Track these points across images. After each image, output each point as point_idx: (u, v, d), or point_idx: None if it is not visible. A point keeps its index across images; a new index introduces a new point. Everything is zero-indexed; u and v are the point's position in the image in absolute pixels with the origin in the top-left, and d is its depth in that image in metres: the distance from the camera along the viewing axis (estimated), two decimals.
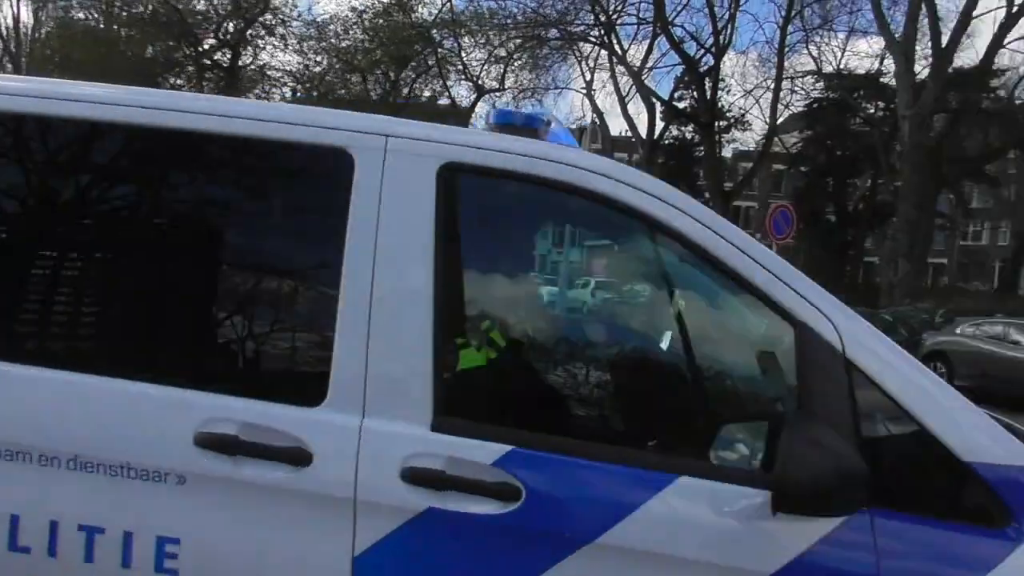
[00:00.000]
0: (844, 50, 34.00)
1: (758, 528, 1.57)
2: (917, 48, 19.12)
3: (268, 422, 1.66)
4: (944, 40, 18.23)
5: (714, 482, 1.61)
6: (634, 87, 23.93)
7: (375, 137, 1.78)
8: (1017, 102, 22.06)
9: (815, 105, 26.42)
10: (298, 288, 1.91)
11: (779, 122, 24.23)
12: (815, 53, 23.87)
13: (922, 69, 19.37)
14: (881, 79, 24.15)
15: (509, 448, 1.63)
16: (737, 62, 41.32)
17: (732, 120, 27.37)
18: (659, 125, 25.69)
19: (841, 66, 24.23)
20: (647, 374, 2.19)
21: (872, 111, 25.71)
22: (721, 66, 22.60)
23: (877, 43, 20.46)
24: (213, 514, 1.64)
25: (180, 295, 1.84)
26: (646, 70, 24.48)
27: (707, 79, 22.49)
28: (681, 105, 26.37)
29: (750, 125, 27.57)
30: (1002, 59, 22.77)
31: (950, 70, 19.15)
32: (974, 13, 18.03)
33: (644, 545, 1.58)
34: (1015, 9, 18.25)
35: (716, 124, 24.17)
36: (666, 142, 28.68)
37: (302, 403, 1.68)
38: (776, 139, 24.46)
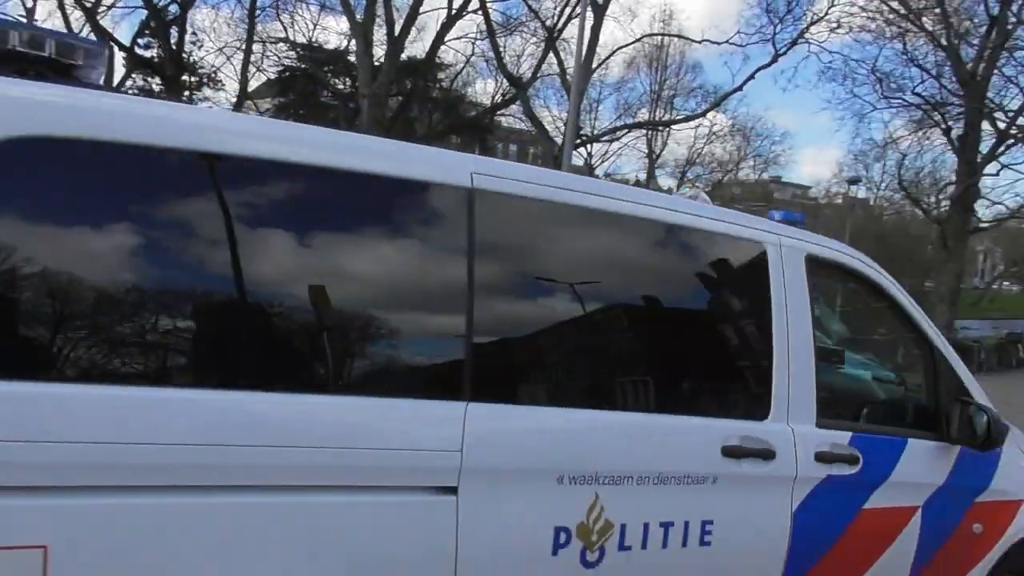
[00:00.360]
0: (316, 24, 35.60)
1: (942, 462, 3.00)
2: (378, 33, 20.99)
3: (752, 433, 2.49)
4: (397, 29, 20.44)
5: (924, 440, 3.03)
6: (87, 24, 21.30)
7: (773, 235, 2.70)
8: (456, 93, 26.02)
9: (287, 73, 27.01)
10: (744, 346, 2.66)
11: (254, 86, 24.02)
12: (288, 21, 24.41)
13: (381, 53, 21.34)
14: (348, 57, 25.79)
15: (851, 434, 2.77)
16: (212, 16, 39.68)
17: (204, 77, 26.33)
18: (120, 71, 23.38)
19: (313, 39, 25.23)
20: (909, 391, 3.46)
21: (340, 86, 27.36)
22: (193, 18, 21.57)
23: (345, 22, 21.95)
24: (730, 499, 2.41)
25: (672, 356, 2.49)
26: (103, 8, 22.00)
27: (174, 28, 21.26)
28: (147, 54, 24.40)
29: (223, 85, 26.93)
30: (448, 55, 26.32)
31: (404, 57, 21.57)
32: (421, 9, 20.56)
33: (907, 477, 2.86)
34: (454, 12, 21.39)
35: (185, 79, 23.01)
36: (131, 92, 26.23)
37: (760, 418, 2.56)
38: (250, 103, 24.33)
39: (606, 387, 2.24)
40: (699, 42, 25.84)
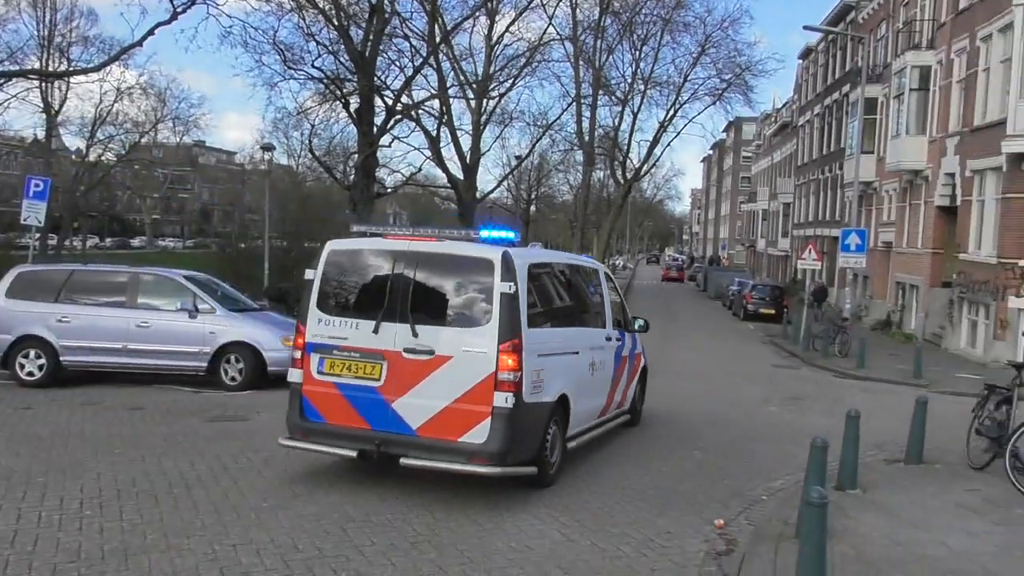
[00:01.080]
0: None
1: (630, 339, 10.22)
2: None
3: (608, 334, 9.12)
4: None
5: (625, 332, 9.96)
6: None
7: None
8: None
9: None
10: (600, 301, 9.22)
11: None
12: None
13: None
14: None
15: (616, 331, 9.42)
16: None
17: None
18: None
19: None
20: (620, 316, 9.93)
21: None
22: None
23: None
24: (606, 353, 9.05)
25: (577, 304, 8.67)
26: None
27: None
28: None
29: None
30: None
31: None
32: None
33: (625, 346, 9.79)
34: None
35: None
36: None
37: (603, 327, 9.04)
38: None
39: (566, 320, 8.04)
40: None
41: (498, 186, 48.59)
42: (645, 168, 44.82)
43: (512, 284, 6.63)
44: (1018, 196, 19.61)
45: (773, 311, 32.33)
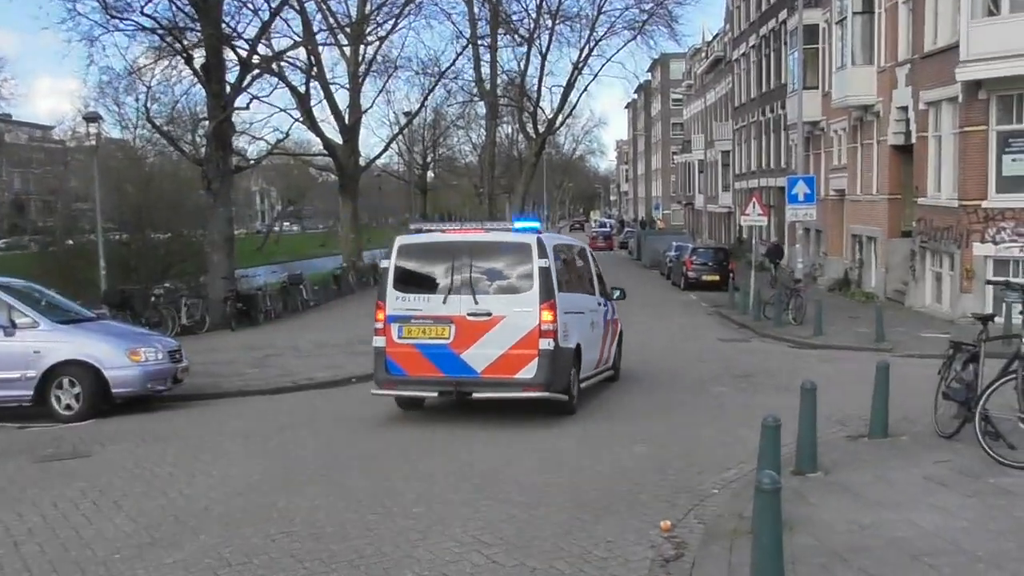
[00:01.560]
0: None
1: (611, 306, 14.75)
2: None
3: (599, 299, 13.84)
4: None
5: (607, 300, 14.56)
6: None
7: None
8: None
9: None
10: (589, 276, 13.72)
11: None
12: None
13: None
14: None
15: (604, 298, 14.02)
16: None
17: None
18: None
19: None
20: (606, 289, 14.61)
21: None
22: None
23: None
24: (599, 314, 13.49)
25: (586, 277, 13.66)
26: None
27: None
28: None
29: None
30: None
31: None
32: None
33: (608, 310, 14.13)
34: None
35: None
36: None
37: (594, 293, 13.58)
38: None
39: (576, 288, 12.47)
40: None
41: (386, 149, 48.34)
42: (559, 119, 45.29)
43: (546, 260, 11.05)
44: (976, 129, 20.72)
45: (718, 277, 33.34)
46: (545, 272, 10.95)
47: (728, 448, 9.29)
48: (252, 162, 35.98)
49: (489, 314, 10.87)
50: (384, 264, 11.65)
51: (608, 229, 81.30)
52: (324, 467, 8.90)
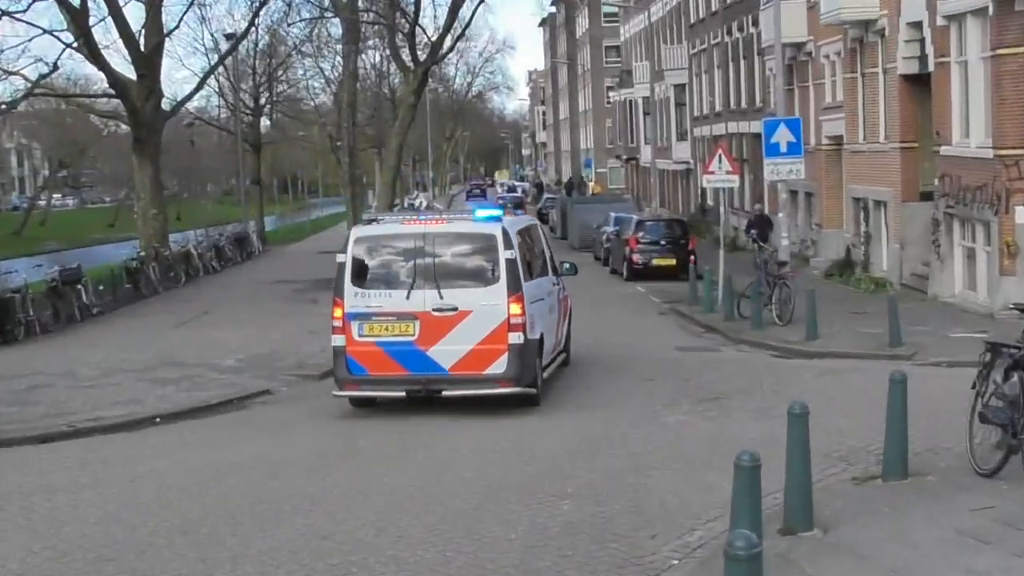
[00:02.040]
0: None
1: (562, 284, 19.21)
2: None
3: (553, 280, 17.92)
4: None
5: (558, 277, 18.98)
6: None
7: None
8: None
9: None
10: (545, 261, 17.84)
11: None
12: None
13: None
14: None
15: (556, 277, 18.10)
16: None
17: None
18: None
19: None
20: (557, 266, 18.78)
21: None
22: None
23: None
24: (553, 298, 17.39)
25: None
26: None
27: None
28: None
29: None
30: None
31: None
32: None
33: (562, 288, 18.56)
34: None
35: None
36: None
37: (553, 274, 17.93)
38: None
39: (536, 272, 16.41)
40: None
41: (200, 87, 47.42)
42: (447, 42, 45.14)
43: (512, 251, 14.28)
44: (1014, 51, 21.20)
45: (673, 262, 33.69)
46: (512, 264, 14.25)
47: (690, 500, 9.36)
48: (3, 107, 34.84)
49: (455, 309, 14.10)
50: (340, 258, 14.63)
51: (520, 195, 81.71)
52: (113, 548, 8.68)
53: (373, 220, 15.51)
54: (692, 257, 32.38)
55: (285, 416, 15.19)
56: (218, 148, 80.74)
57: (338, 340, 14.38)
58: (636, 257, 34.60)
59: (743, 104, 44.05)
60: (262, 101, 61.30)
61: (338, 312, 14.36)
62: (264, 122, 64.84)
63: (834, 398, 13.96)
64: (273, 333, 23.35)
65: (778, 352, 19.74)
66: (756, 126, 35.91)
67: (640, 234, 35.42)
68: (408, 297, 14.17)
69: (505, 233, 14.35)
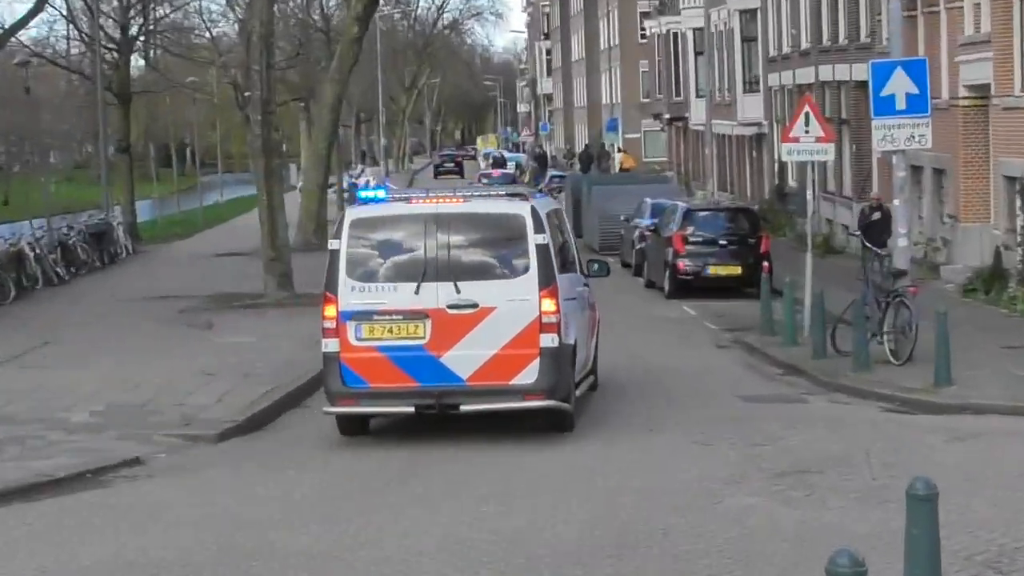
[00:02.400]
0: None
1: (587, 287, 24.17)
2: None
3: (581, 281, 21.42)
4: None
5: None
6: None
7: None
8: None
9: None
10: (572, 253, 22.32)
11: None
12: None
13: None
14: None
15: (585, 277, 22.13)
16: None
17: None
18: None
19: None
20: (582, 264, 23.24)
21: None
22: None
23: None
24: (584, 299, 21.35)
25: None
26: None
27: None
28: None
29: None
30: None
31: None
32: None
33: (591, 291, 22.98)
34: None
35: None
36: None
37: (582, 274, 21.91)
38: None
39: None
40: None
41: (41, 8, 47.60)
42: None
43: (544, 235, 16.49)
44: None
45: (738, 270, 33.99)
46: (544, 250, 16.61)
47: None
48: None
49: (475, 305, 16.26)
50: (333, 245, 16.76)
51: (512, 171, 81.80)
52: None
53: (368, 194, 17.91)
54: (765, 264, 32.23)
55: (164, 496, 14.97)
56: (67, 99, 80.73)
57: (331, 345, 16.41)
58: (683, 264, 34.82)
59: (841, 39, 44.19)
60: (133, 30, 61.39)
61: (331, 311, 16.34)
62: (136, 62, 64.96)
63: (975, 475, 13.97)
64: (147, 373, 23.44)
65: (892, 405, 19.84)
66: (861, 71, 36.02)
67: (689, 230, 35.60)
68: (417, 292, 16.25)
69: (535, 213, 16.55)
